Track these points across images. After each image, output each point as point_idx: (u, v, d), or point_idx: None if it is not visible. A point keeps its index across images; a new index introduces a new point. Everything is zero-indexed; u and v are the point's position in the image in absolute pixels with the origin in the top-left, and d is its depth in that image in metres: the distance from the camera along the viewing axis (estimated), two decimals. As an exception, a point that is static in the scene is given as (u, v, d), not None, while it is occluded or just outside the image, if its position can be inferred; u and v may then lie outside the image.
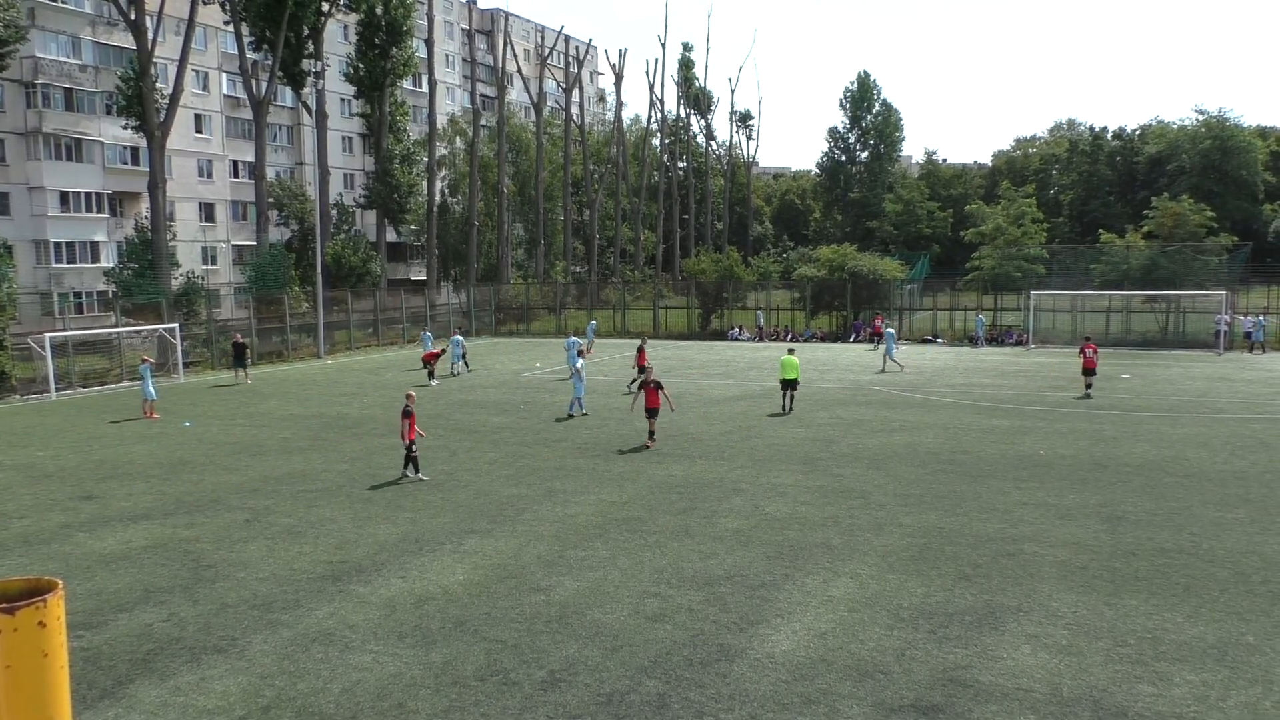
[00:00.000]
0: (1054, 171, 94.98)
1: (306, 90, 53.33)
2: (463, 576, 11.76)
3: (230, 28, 50.99)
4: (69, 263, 54.63)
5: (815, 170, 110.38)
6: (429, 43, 65.08)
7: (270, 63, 49.45)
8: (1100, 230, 55.43)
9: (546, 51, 79.80)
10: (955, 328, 49.64)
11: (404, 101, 62.98)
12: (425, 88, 67.85)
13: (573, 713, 8.14)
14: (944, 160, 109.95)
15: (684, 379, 32.18)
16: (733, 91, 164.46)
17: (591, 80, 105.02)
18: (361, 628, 10.12)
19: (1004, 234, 52.20)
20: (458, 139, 78.68)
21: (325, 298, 44.59)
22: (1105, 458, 18.44)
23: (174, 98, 43.41)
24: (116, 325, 38.15)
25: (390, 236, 66.11)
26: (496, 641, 9.67)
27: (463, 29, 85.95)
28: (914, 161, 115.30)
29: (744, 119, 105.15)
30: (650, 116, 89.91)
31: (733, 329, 52.26)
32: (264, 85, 49.23)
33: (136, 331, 37.58)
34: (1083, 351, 27.62)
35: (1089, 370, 27.34)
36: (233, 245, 64.54)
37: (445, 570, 12.01)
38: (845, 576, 11.54)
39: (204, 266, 59.85)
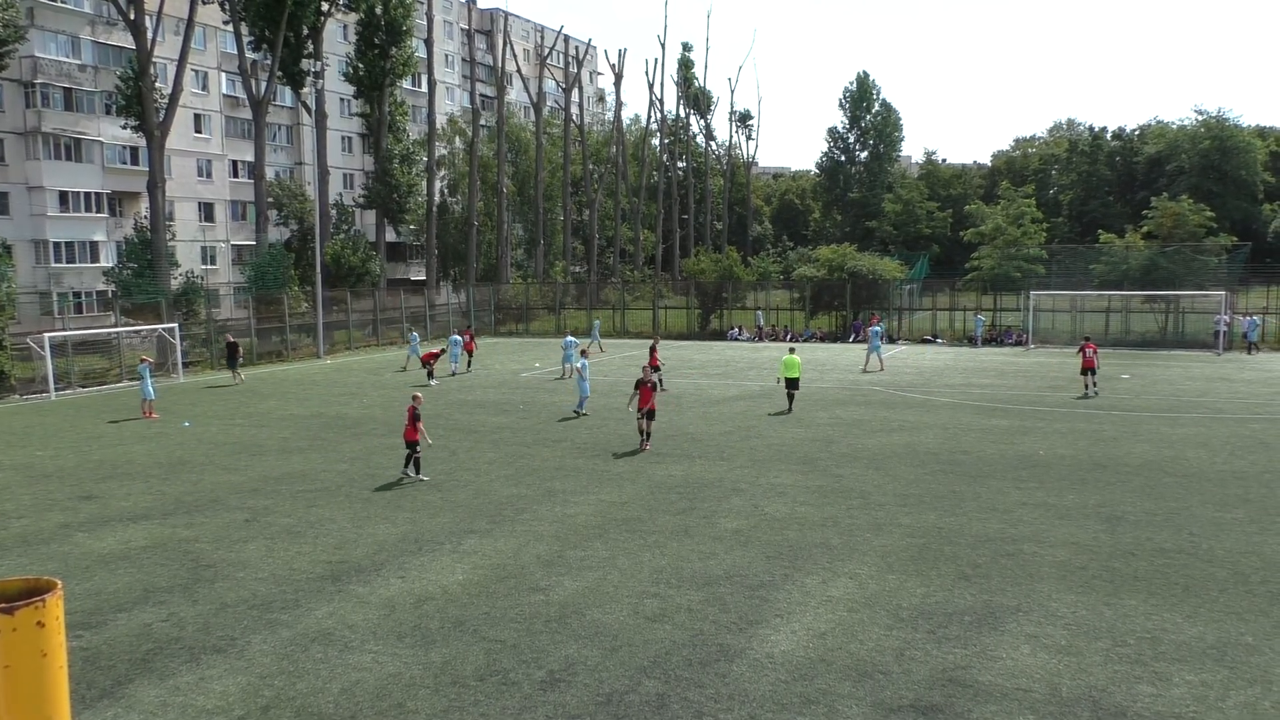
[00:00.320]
0: (1053, 171, 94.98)
1: (306, 90, 53.32)
2: (462, 576, 11.76)
3: (230, 27, 50.98)
4: (68, 262, 54.60)
5: (815, 170, 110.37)
6: (428, 42, 65.07)
7: (270, 62, 49.44)
8: (1100, 230, 55.42)
9: (546, 51, 79.77)
10: (955, 328, 49.65)
11: (403, 101, 62.96)
12: (425, 87, 67.84)
13: (572, 713, 8.14)
14: (943, 160, 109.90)
15: (683, 379, 32.18)
16: (732, 91, 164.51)
17: (591, 80, 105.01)
18: (361, 628, 10.12)
19: (1003, 234, 52.20)
20: (457, 139, 78.66)
21: (324, 298, 44.58)
22: (1105, 458, 18.44)
23: (173, 97, 43.40)
24: (116, 325, 38.14)
25: (390, 236, 66.10)
26: (496, 641, 9.67)
27: (462, 29, 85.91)
28: (913, 161, 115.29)
29: (743, 119, 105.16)
30: (650, 116, 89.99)
31: (732, 329, 52.26)
32: (263, 85, 49.22)
33: (136, 331, 37.57)
34: (1082, 351, 27.68)
35: (1089, 370, 27.38)
36: (232, 245, 64.51)
37: (444, 570, 12.01)
38: (844, 576, 11.54)
39: (203, 266, 59.81)
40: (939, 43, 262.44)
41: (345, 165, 73.06)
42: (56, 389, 31.36)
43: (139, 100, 42.16)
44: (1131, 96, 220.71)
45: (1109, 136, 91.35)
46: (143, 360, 27.43)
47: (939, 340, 47.97)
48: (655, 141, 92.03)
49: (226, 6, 47.85)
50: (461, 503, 15.58)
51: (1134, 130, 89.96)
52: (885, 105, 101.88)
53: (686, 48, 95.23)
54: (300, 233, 57.68)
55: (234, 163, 64.76)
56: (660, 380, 29.39)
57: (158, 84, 45.30)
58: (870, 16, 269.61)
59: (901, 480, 16.73)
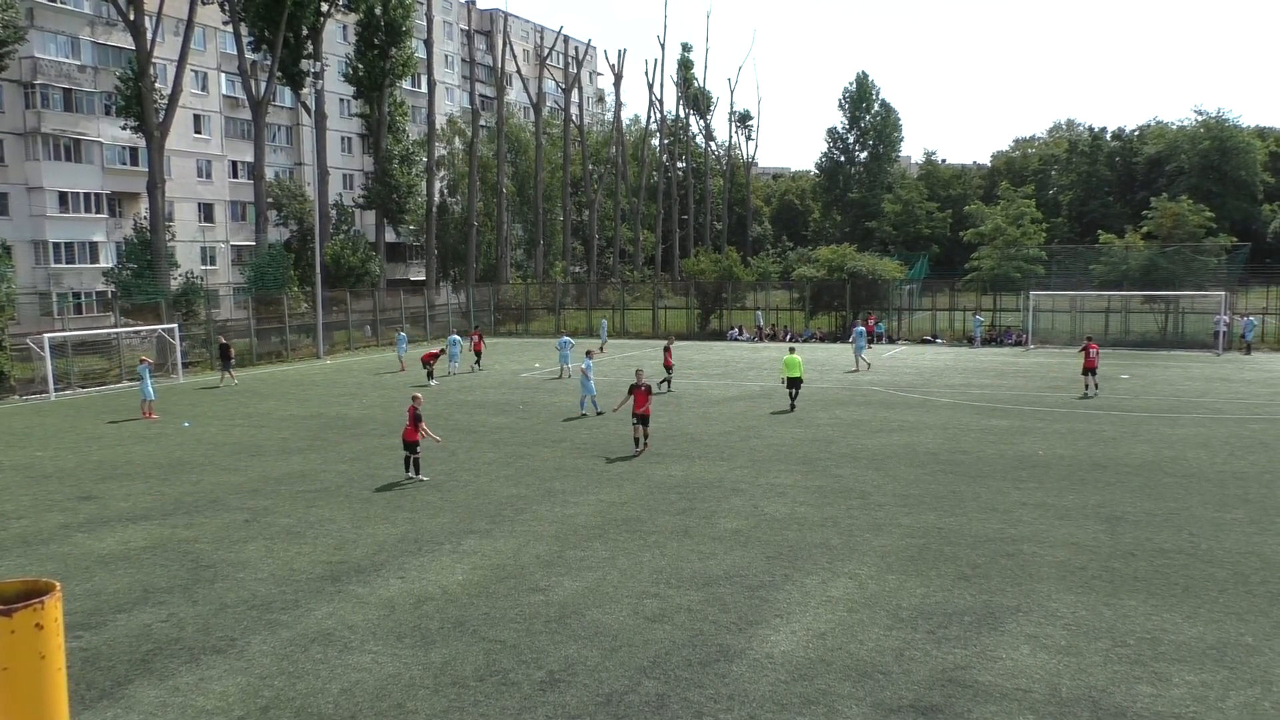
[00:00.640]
0: (1053, 172, 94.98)
1: (305, 90, 53.31)
2: (462, 577, 11.75)
3: (229, 28, 50.97)
4: (68, 263, 54.57)
5: (814, 170, 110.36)
6: (428, 43, 65.06)
7: (269, 63, 49.44)
8: (1099, 230, 55.42)
9: (546, 52, 79.75)
10: (954, 328, 49.66)
11: (403, 101, 62.93)
12: (424, 88, 67.83)
13: (572, 713, 8.14)
14: (943, 160, 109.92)
15: (683, 379, 32.17)
16: (732, 92, 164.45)
17: (591, 80, 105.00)
18: (360, 628, 10.12)
19: (1003, 234, 52.19)
20: (457, 139, 78.64)
21: (324, 298, 44.59)
22: (1104, 458, 18.44)
23: (173, 98, 43.39)
24: (115, 325, 38.15)
25: (389, 236, 66.08)
26: (495, 642, 9.66)
27: (462, 29, 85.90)
28: (913, 162, 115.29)
29: (743, 119, 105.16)
30: (649, 116, 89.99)
31: (732, 329, 52.26)
32: (263, 85, 49.21)
33: (135, 332, 37.57)
34: (1086, 351, 27.71)
35: (1090, 370, 27.40)
36: (232, 245, 64.48)
37: (444, 570, 12.01)
38: (844, 577, 11.54)
39: (203, 267, 59.78)
40: (939, 43, 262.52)
41: (345, 165, 73.04)
42: (56, 389, 31.36)
43: (139, 101, 42.16)
44: (1131, 97, 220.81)
45: (1109, 137, 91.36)
46: (142, 361, 27.43)
47: (939, 340, 47.97)
48: (655, 142, 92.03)
49: (226, 7, 47.85)
50: (461, 503, 15.57)
51: (1134, 130, 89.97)
52: (885, 105, 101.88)
53: (686, 48, 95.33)
54: (300, 233, 57.68)
55: (234, 163, 64.74)
56: (669, 382, 29.61)
57: (157, 84, 45.30)
58: (870, 16, 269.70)
59: (901, 480, 16.73)
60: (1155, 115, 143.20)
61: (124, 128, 47.11)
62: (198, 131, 62.35)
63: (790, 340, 48.57)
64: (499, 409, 26.33)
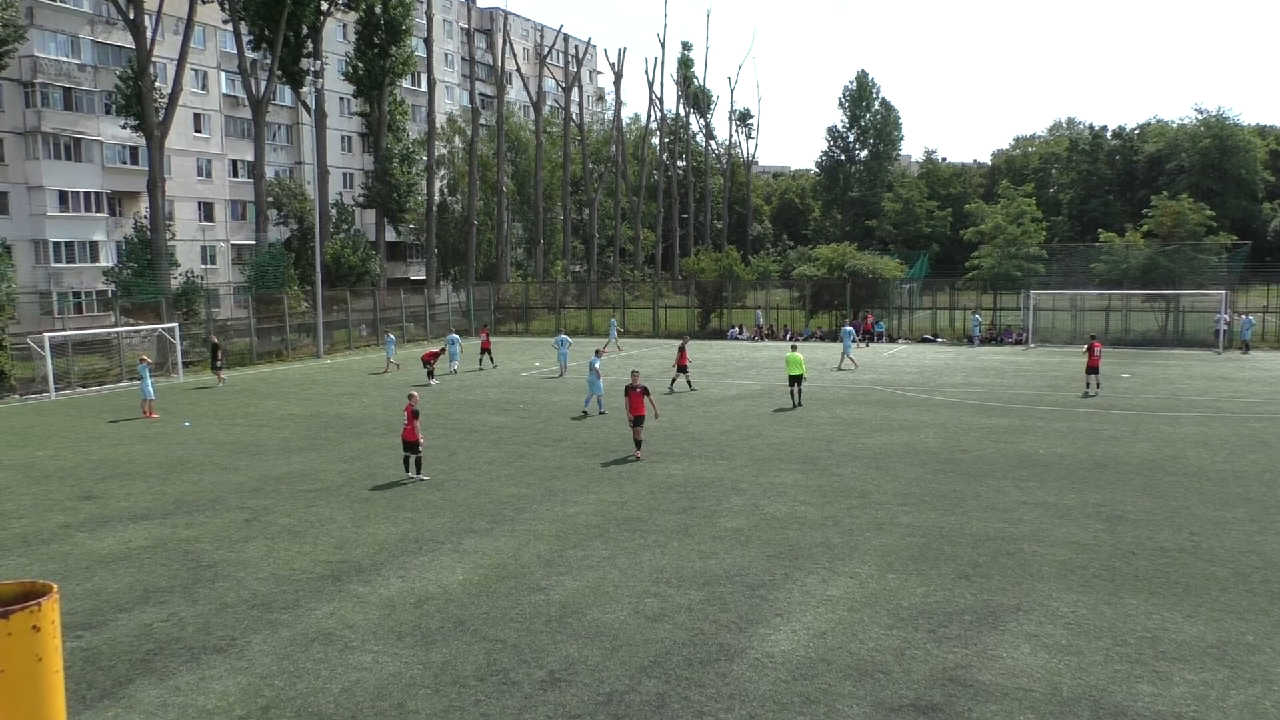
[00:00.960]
0: (1053, 170, 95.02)
1: (305, 89, 53.28)
2: (462, 576, 11.75)
3: (229, 27, 50.95)
4: (68, 262, 54.57)
5: (814, 169, 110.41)
6: (428, 41, 65.02)
7: (269, 62, 49.41)
8: (1100, 229, 55.45)
9: (546, 50, 79.71)
10: (954, 327, 49.65)
11: (403, 100, 62.90)
12: (424, 87, 67.80)
13: (572, 712, 8.14)
14: (943, 159, 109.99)
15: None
16: (732, 90, 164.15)
17: (591, 79, 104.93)
18: (361, 627, 10.12)
19: (1003, 233, 52.20)
20: (457, 138, 78.62)
21: (324, 297, 44.57)
22: (1105, 457, 18.44)
23: (173, 97, 43.39)
24: (116, 325, 38.12)
25: (389, 236, 66.06)
26: (496, 641, 9.66)
27: (462, 28, 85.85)
28: (913, 160, 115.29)
29: (743, 118, 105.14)
30: (649, 115, 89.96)
31: (732, 328, 52.26)
32: (263, 84, 49.19)
33: (136, 331, 37.55)
34: (1090, 349, 27.72)
35: (1093, 369, 27.42)
36: (232, 245, 64.48)
37: (445, 570, 12.01)
38: (845, 576, 11.54)
39: (203, 266, 59.81)
40: (939, 42, 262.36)
41: (345, 165, 73.03)
42: (56, 389, 31.35)
43: (139, 100, 42.14)
44: (1131, 95, 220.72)
45: (1109, 135, 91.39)
46: (142, 360, 27.43)
47: (939, 339, 47.96)
48: (655, 140, 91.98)
49: (226, 6, 47.81)
50: (461, 502, 15.57)
51: (1134, 129, 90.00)
52: (885, 104, 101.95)
53: (686, 47, 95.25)
54: (300, 232, 57.65)
55: (234, 162, 64.73)
56: (688, 381, 29.65)
57: (157, 84, 45.27)
58: (870, 16, 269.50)
59: (902, 479, 16.73)
60: (1156, 114, 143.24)
61: (124, 127, 47.10)
62: (198, 130, 62.34)
63: (791, 339, 48.58)
64: (499, 408, 26.33)
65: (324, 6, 51.34)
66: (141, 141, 48.34)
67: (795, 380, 25.62)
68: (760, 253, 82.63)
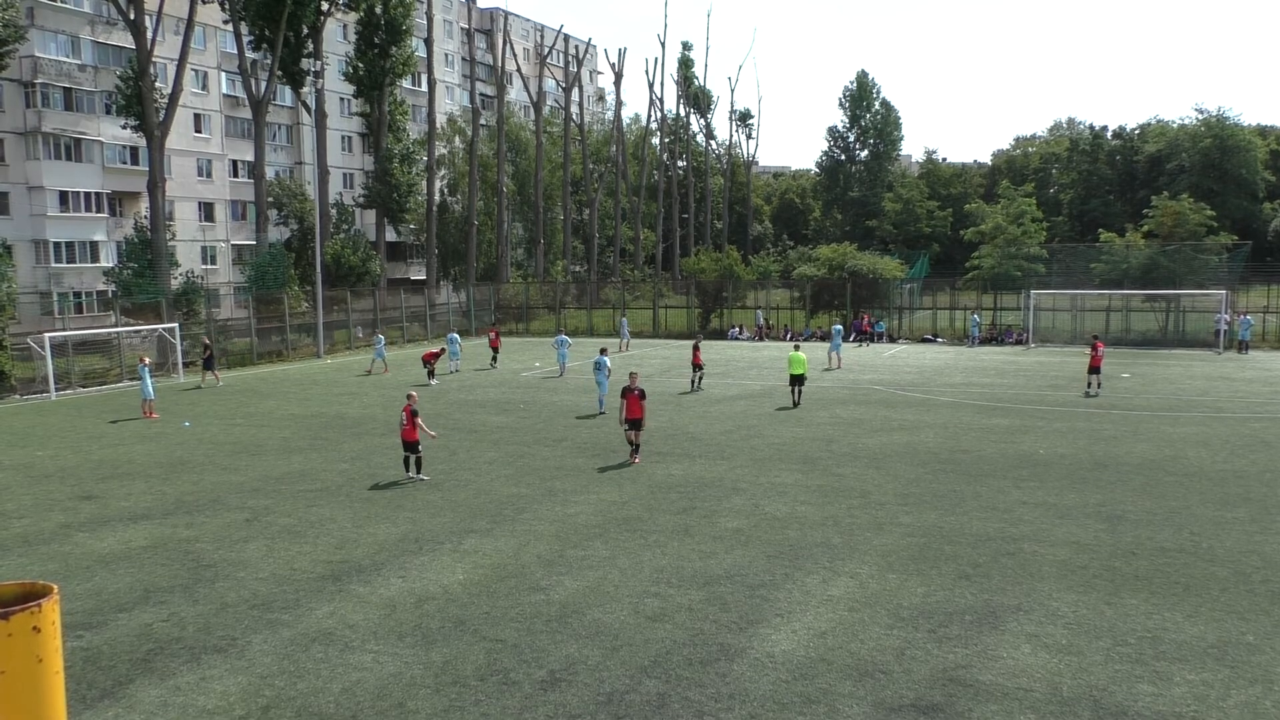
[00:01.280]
0: (1054, 170, 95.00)
1: (306, 89, 53.27)
2: (462, 576, 11.75)
3: (229, 27, 50.93)
4: (68, 262, 54.57)
5: (815, 169, 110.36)
6: (428, 42, 65.02)
7: (269, 62, 49.41)
8: (1100, 229, 55.42)
9: (546, 50, 79.70)
10: (955, 327, 49.64)
11: (403, 100, 62.92)
12: (424, 87, 67.79)
13: (573, 712, 8.14)
14: (944, 159, 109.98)
15: (684, 378, 32.14)
16: (732, 90, 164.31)
17: (591, 79, 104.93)
18: (361, 627, 10.12)
19: (1003, 233, 52.18)
20: (457, 138, 78.63)
21: (325, 297, 44.57)
22: (1105, 457, 18.44)
23: (173, 97, 43.38)
24: (116, 325, 38.11)
25: (390, 236, 66.05)
26: (496, 641, 9.66)
27: (462, 28, 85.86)
28: (914, 160, 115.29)
29: (743, 118, 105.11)
30: (650, 115, 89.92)
31: (733, 328, 52.25)
32: (263, 84, 49.19)
33: (136, 331, 37.55)
34: (1093, 349, 27.74)
35: (1095, 369, 27.43)
36: (232, 245, 64.48)
37: (445, 570, 12.01)
38: (845, 576, 11.53)
39: (203, 266, 59.81)
40: (939, 42, 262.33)
41: (345, 165, 73.04)
42: (57, 389, 31.36)
43: (139, 100, 42.14)
44: (1132, 96, 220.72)
45: (1109, 135, 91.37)
46: (142, 360, 27.43)
47: (939, 340, 47.95)
48: (655, 141, 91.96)
49: (226, 6, 47.80)
50: (462, 502, 15.57)
51: (1134, 129, 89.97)
52: (885, 104, 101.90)
53: (686, 47, 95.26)
54: (300, 232, 57.65)
55: (234, 162, 64.73)
56: (700, 380, 29.70)
57: (158, 84, 45.30)
58: (870, 16, 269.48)
59: (902, 479, 16.73)
60: (1156, 114, 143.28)
61: (124, 127, 47.10)
62: (198, 131, 62.34)
63: (791, 339, 48.59)
64: (499, 408, 26.33)
65: (324, 7, 51.34)
66: (142, 142, 48.34)
67: (797, 380, 25.69)
68: (760, 253, 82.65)
